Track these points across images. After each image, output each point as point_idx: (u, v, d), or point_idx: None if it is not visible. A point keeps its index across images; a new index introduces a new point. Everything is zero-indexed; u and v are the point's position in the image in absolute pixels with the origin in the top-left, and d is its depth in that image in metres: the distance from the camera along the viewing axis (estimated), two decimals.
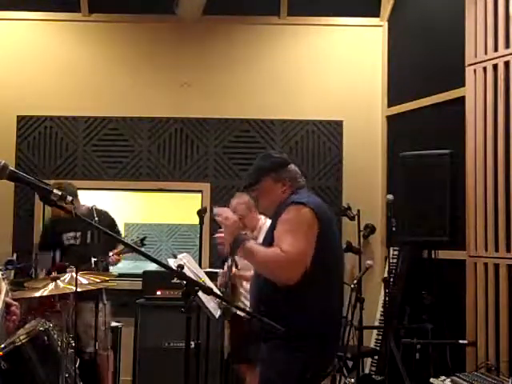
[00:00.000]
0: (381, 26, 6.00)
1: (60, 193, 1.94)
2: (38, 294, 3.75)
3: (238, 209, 4.22)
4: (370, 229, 5.75)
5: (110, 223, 5.08)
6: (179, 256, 3.47)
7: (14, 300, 2.65)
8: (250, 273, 3.33)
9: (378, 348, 5.31)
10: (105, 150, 6.02)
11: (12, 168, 1.99)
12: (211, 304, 3.46)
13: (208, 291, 2.32)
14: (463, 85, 4.87)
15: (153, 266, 5.91)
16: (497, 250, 4.52)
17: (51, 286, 3.75)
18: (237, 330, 4.21)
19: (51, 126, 6.01)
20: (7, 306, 2.55)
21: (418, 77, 5.46)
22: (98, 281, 3.97)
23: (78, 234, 4.98)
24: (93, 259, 4.45)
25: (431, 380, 4.05)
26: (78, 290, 3.59)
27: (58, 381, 3.23)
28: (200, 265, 4.02)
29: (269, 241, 2.83)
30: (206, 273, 3.89)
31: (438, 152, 4.67)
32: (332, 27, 6.09)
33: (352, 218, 5.58)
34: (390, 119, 5.84)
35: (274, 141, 6.01)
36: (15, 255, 5.63)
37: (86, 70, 6.03)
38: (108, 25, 6.11)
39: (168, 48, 6.07)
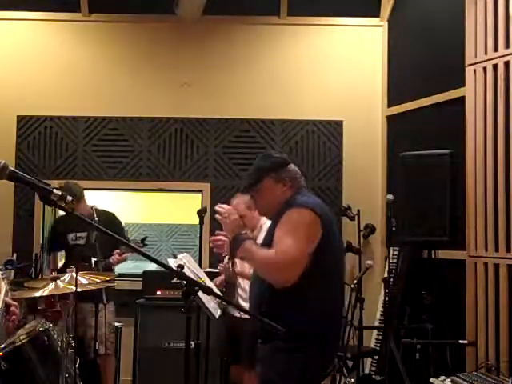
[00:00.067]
0: (381, 26, 6.00)
1: (60, 193, 1.94)
2: (38, 294, 3.75)
3: (238, 208, 4.21)
4: (370, 229, 5.74)
5: (118, 225, 5.10)
6: (179, 256, 3.46)
7: (14, 300, 2.65)
8: (250, 271, 3.33)
9: (378, 348, 5.31)
10: (105, 149, 6.01)
11: (12, 168, 1.99)
12: (211, 304, 3.46)
13: (208, 291, 2.31)
14: (463, 85, 4.86)
15: (153, 266, 5.92)
16: (497, 250, 4.52)
17: (51, 285, 3.75)
18: (231, 331, 4.19)
19: (51, 126, 6.01)
20: (7, 305, 2.56)
21: (418, 77, 5.46)
22: (98, 281, 3.97)
23: (84, 234, 4.99)
24: (93, 259, 4.46)
25: (431, 380, 4.05)
26: (78, 290, 3.58)
27: (58, 381, 3.22)
28: (200, 265, 4.02)
29: (269, 241, 2.82)
30: (206, 273, 3.89)
31: (438, 152, 4.67)
32: (332, 27, 6.09)
33: (352, 218, 5.59)
34: (390, 119, 5.83)
35: (273, 141, 6.01)
36: (15, 255, 5.63)
37: (86, 70, 6.03)
38: (108, 25, 6.10)
39: (168, 48, 6.07)
